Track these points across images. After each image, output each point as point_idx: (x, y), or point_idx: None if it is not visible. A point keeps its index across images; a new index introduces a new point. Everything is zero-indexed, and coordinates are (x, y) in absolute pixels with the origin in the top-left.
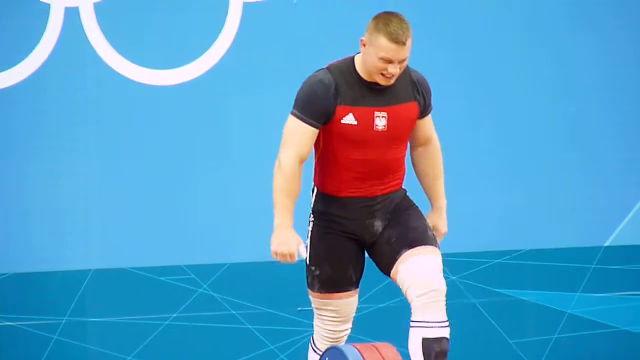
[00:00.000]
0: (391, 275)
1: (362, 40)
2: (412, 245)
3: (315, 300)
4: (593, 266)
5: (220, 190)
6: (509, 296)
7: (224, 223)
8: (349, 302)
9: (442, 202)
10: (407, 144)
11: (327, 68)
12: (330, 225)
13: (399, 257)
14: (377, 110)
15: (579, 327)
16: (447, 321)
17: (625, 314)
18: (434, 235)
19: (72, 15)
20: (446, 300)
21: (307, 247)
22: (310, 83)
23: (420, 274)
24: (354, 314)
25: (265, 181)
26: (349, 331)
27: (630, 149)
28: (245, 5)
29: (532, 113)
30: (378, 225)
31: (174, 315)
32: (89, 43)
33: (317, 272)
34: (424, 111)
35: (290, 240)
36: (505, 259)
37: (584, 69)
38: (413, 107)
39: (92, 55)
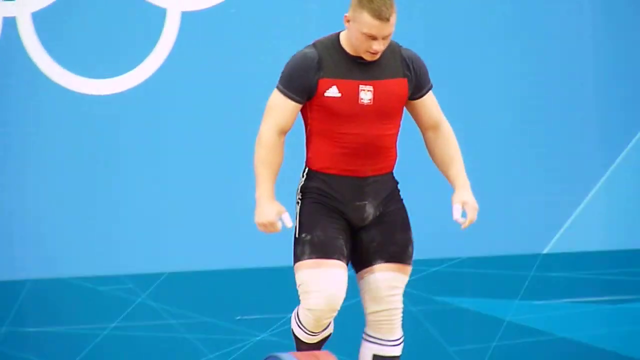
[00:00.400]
0: (357, 274)
1: (346, 16)
2: (388, 259)
3: (304, 272)
4: (532, 274)
5: (157, 199)
6: (447, 304)
7: (162, 232)
8: (337, 273)
9: (465, 180)
10: (398, 122)
11: (313, 44)
12: (321, 198)
13: (372, 265)
14: (363, 84)
15: (517, 334)
16: (400, 337)
17: (564, 322)
18: (412, 251)
19: (9, 25)
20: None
21: (295, 226)
22: (295, 58)
23: (382, 291)
24: (344, 294)
25: (203, 189)
26: (334, 314)
27: (567, 156)
28: (183, 14)
29: (469, 121)
30: (369, 211)
31: (113, 325)
32: (26, 52)
33: (308, 237)
34: (417, 89)
35: (270, 209)
36: (443, 267)
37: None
38: (402, 83)
39: (29, 64)
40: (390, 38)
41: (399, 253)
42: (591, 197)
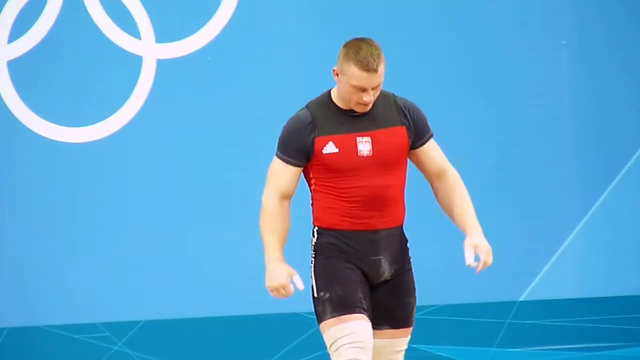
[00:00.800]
0: None
1: (334, 70)
2: (394, 325)
3: (330, 330)
4: (508, 321)
5: (135, 247)
6: (425, 351)
7: (139, 280)
8: (363, 325)
9: (475, 224)
10: (402, 173)
11: (306, 105)
12: (335, 253)
13: (377, 329)
14: (359, 135)
15: None
16: None
17: None
18: (415, 311)
19: None
20: None
21: (312, 285)
22: (288, 122)
23: (386, 355)
24: (372, 347)
25: (179, 238)
26: None
27: (544, 205)
28: (158, 62)
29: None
30: (385, 267)
31: None
32: (2, 100)
33: (327, 295)
34: (417, 137)
35: (280, 273)
36: (420, 314)
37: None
38: (400, 131)
39: (5, 111)
40: (380, 88)
41: (405, 318)
42: (567, 244)
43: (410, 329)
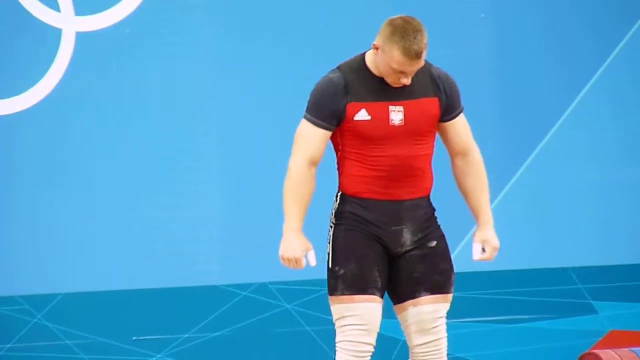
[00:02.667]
0: (397, 306)
1: (374, 44)
2: (433, 290)
3: (339, 307)
4: None
5: (52, 219)
6: None
7: (57, 252)
8: (373, 308)
9: (488, 216)
10: (431, 143)
11: (337, 67)
12: (356, 224)
13: (415, 297)
14: (392, 105)
15: None
16: None
17: (460, 341)
18: (454, 279)
19: None
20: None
21: (329, 253)
22: (320, 84)
23: (429, 323)
24: (378, 329)
25: (98, 210)
26: (372, 349)
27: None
28: (78, 34)
29: None
30: (407, 237)
31: (8, 346)
32: None
33: (342, 272)
34: (448, 110)
35: (296, 245)
36: None
37: None
38: (433, 102)
39: None
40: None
41: (443, 283)
42: None
43: (450, 295)
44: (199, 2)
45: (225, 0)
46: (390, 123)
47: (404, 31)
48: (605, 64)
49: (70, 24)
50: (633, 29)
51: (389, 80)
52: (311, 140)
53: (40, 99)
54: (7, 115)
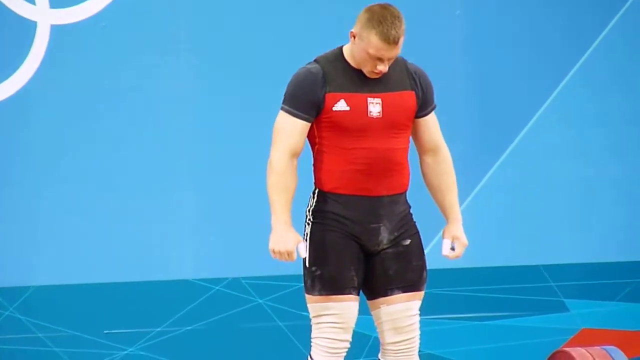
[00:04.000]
0: (371, 301)
1: (352, 32)
2: (405, 289)
3: (315, 305)
4: None
5: (24, 212)
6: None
7: (29, 245)
8: (350, 306)
9: (457, 214)
10: (408, 136)
11: (315, 60)
12: (332, 224)
13: (388, 295)
14: (370, 97)
15: None
16: None
17: (430, 338)
18: (426, 275)
19: None
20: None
21: (306, 248)
22: (298, 75)
23: (402, 321)
24: (354, 325)
25: (71, 203)
26: (348, 345)
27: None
28: (53, 27)
29: None
30: (384, 235)
31: None
32: None
33: (318, 272)
34: (423, 105)
35: (288, 238)
36: None
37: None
38: (410, 96)
39: None
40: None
41: (416, 281)
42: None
43: (422, 292)
44: None
45: None
46: (368, 115)
47: (382, 17)
48: (582, 59)
49: (45, 17)
50: (611, 24)
51: (365, 69)
52: (291, 132)
53: (14, 92)
54: None
